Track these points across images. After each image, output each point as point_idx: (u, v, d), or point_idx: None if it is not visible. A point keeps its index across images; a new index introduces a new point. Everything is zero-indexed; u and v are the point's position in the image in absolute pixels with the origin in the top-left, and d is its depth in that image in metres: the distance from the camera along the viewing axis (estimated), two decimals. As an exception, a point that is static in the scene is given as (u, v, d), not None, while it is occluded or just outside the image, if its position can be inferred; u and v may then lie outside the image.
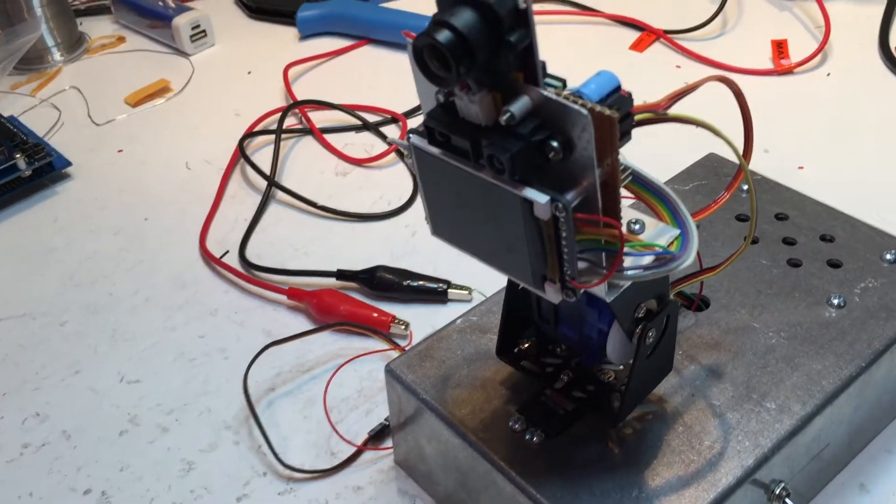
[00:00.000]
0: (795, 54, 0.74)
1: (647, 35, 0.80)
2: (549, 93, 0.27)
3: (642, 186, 0.33)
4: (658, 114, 0.31)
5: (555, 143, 0.28)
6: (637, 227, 0.33)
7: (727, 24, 0.80)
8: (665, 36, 0.79)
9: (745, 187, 0.50)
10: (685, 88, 0.33)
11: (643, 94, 0.79)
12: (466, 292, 0.56)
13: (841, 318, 0.42)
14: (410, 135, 0.32)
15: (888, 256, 0.45)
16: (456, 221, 0.33)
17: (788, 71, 0.73)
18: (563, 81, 0.29)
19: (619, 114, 0.27)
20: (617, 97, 0.28)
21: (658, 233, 0.32)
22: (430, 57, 0.27)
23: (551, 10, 0.86)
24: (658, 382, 0.38)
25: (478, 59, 0.26)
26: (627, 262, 0.30)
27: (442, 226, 0.35)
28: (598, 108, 0.27)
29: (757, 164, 0.54)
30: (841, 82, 0.72)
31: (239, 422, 0.50)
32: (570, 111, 0.27)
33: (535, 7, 0.86)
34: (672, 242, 0.31)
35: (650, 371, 0.37)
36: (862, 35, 0.76)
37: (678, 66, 0.76)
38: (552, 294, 0.31)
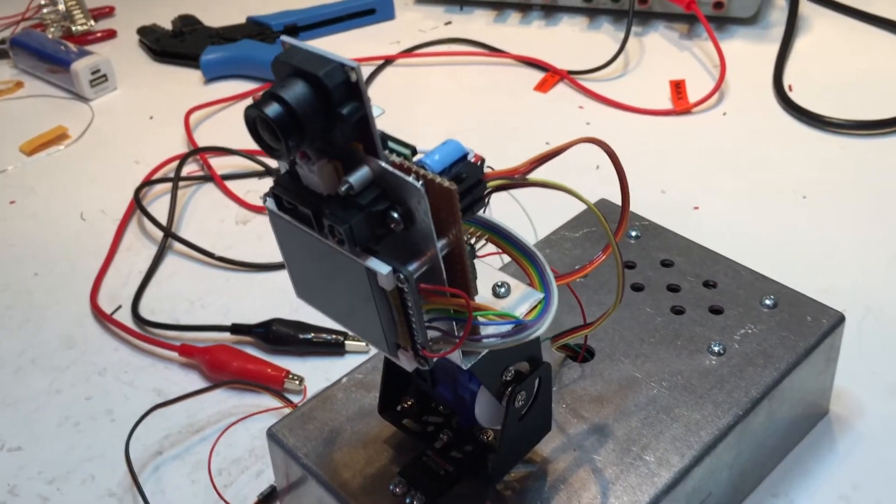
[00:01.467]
0: (693, 94, 0.76)
1: (550, 76, 0.80)
2: (387, 164, 0.27)
3: (512, 245, 0.33)
4: (514, 179, 0.30)
5: (395, 214, 0.27)
6: (503, 290, 0.33)
7: (629, 65, 0.82)
8: (568, 77, 0.80)
9: (634, 233, 0.51)
10: (550, 152, 0.33)
11: (546, 134, 0.80)
12: (364, 343, 0.55)
13: (720, 365, 0.43)
14: (266, 198, 0.32)
15: (767, 301, 0.45)
16: (315, 285, 0.33)
17: (686, 111, 0.75)
18: (413, 149, 0.29)
19: (458, 186, 0.27)
20: (464, 165, 0.28)
21: (522, 298, 0.32)
22: (262, 128, 0.26)
23: (459, 50, 0.86)
24: (536, 443, 0.38)
25: (307, 132, 0.26)
26: (483, 330, 0.30)
27: (304, 289, 0.34)
28: (438, 179, 0.27)
29: (653, 205, 0.55)
30: (736, 121, 0.73)
31: (123, 489, 0.48)
32: (404, 183, 0.27)
33: (444, 47, 0.87)
34: (533, 308, 0.31)
35: (524, 432, 0.36)
36: (757, 74, 0.78)
37: (581, 107, 0.77)
38: (405, 362, 0.30)
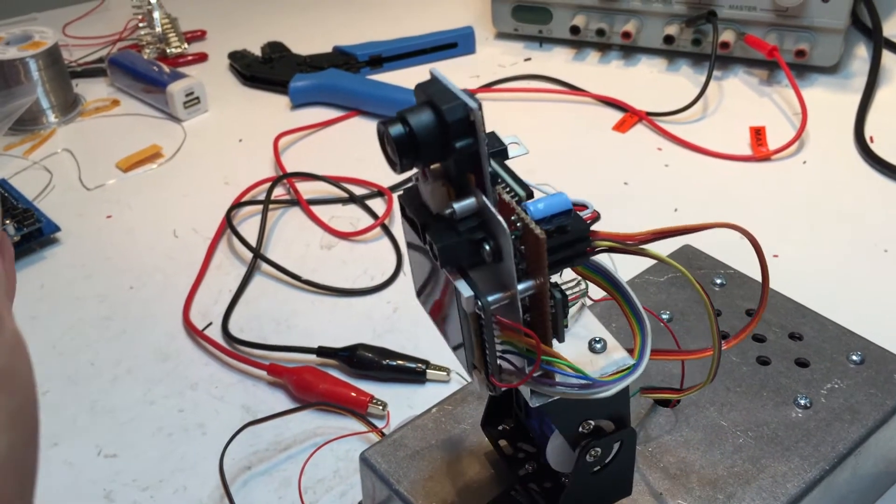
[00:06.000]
0: (773, 141, 0.77)
1: (629, 116, 0.82)
2: (487, 200, 0.29)
3: (627, 303, 0.33)
4: (626, 245, 0.32)
5: (487, 247, 0.30)
6: (598, 346, 0.33)
7: (708, 109, 0.83)
8: (647, 118, 0.81)
9: (718, 281, 0.52)
10: (675, 229, 0.33)
11: (625, 174, 0.81)
12: (445, 373, 0.56)
13: (807, 418, 0.43)
14: (398, 196, 0.34)
15: (854, 357, 0.46)
16: (426, 289, 0.35)
17: (766, 157, 0.75)
18: (529, 192, 0.31)
19: (561, 237, 0.29)
20: (569, 219, 0.30)
21: (614, 361, 0.33)
22: (387, 142, 0.29)
23: (540, 87, 0.88)
24: (611, 502, 0.39)
25: (422, 155, 0.29)
26: (557, 376, 0.31)
27: (419, 292, 0.37)
28: (532, 225, 0.29)
29: (731, 252, 0.56)
30: (816, 171, 0.74)
31: (214, 501, 0.50)
32: (496, 221, 0.29)
33: (523, 83, 0.89)
34: (618, 373, 0.32)
35: (596, 488, 0.37)
36: (838, 123, 0.79)
37: (659, 149, 0.78)
38: (477, 383, 0.33)
